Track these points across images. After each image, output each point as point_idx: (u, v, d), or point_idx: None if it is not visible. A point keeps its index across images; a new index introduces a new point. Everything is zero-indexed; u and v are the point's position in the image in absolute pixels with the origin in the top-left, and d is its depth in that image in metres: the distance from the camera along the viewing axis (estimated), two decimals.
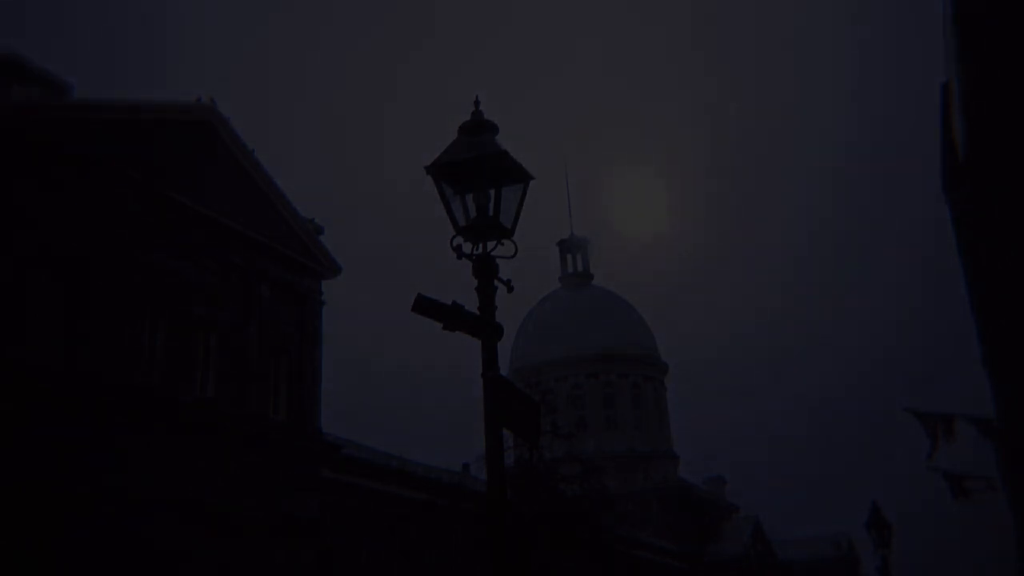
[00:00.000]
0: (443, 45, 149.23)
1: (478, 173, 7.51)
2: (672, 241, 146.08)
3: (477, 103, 7.80)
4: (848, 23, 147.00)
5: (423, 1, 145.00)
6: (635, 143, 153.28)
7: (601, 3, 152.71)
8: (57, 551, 20.05)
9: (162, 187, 24.67)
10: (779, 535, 64.02)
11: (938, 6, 12.72)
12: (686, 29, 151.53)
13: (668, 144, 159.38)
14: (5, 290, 20.57)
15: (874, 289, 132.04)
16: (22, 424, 20.03)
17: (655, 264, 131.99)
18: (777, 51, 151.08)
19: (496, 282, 7.51)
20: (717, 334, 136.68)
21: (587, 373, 60.02)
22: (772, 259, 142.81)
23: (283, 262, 28.59)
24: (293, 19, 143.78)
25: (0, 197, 20.96)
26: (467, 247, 7.53)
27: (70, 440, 20.81)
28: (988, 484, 19.25)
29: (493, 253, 7.54)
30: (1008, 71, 10.65)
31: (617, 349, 60.91)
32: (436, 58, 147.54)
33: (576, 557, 38.18)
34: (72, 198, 22.41)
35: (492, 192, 7.52)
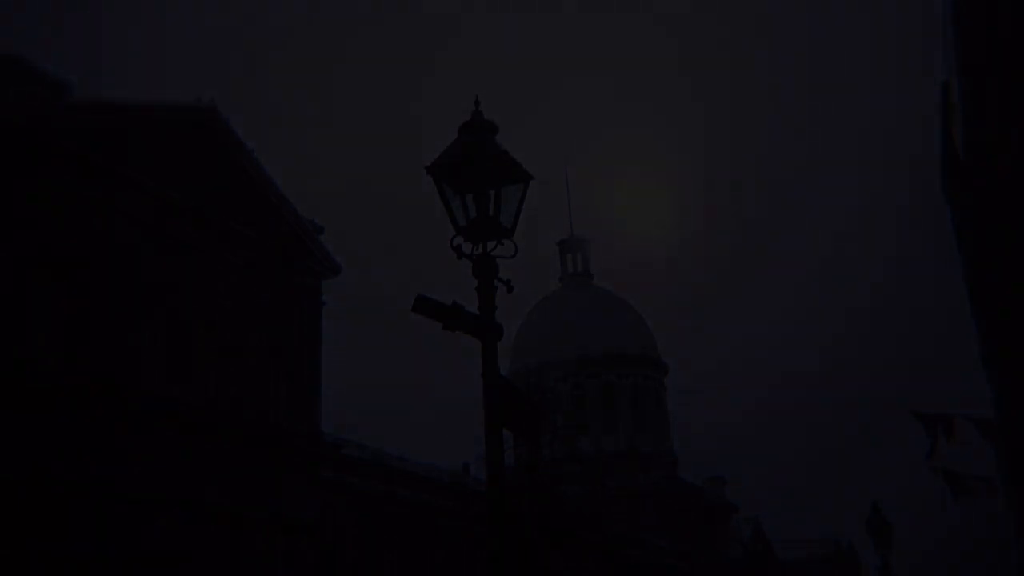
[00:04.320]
0: (444, 44, 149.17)
1: (478, 173, 7.53)
2: (672, 241, 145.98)
3: (477, 103, 7.83)
4: (848, 23, 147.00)
5: (423, 2, 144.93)
6: (636, 143, 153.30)
7: (603, 2, 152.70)
8: (57, 551, 20.05)
9: (162, 187, 24.66)
10: (779, 535, 64.02)
11: (938, 6, 12.73)
12: (687, 29, 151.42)
13: (669, 143, 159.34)
14: (5, 290, 20.57)
15: (874, 288, 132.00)
16: (22, 424, 20.03)
17: (655, 264, 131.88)
18: (778, 51, 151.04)
19: (496, 282, 7.52)
20: (717, 334, 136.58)
21: (587, 373, 59.92)
22: (772, 259, 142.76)
23: (283, 262, 28.57)
24: (293, 18, 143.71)
25: (0, 197, 20.96)
26: (467, 247, 7.54)
27: (70, 440, 20.82)
28: (988, 484, 19.27)
29: (493, 253, 7.56)
30: (1008, 71, 10.66)
31: (617, 349, 60.81)
32: (437, 57, 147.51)
33: (576, 557, 38.21)
34: (72, 198, 22.41)
35: (492, 192, 7.54)
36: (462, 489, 33.86)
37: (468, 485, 34.16)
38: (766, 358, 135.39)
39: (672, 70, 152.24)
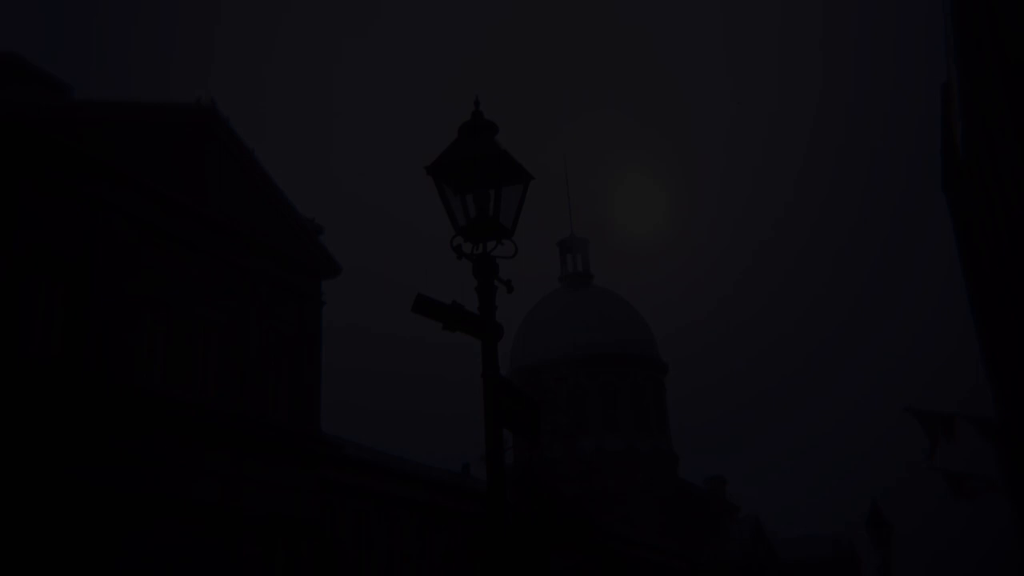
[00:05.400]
0: (444, 43, 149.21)
1: (478, 173, 7.51)
2: (672, 241, 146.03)
3: (477, 104, 7.82)
4: (848, 23, 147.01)
5: (424, 4, 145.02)
6: (636, 143, 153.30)
7: (603, 1, 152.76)
8: (56, 551, 20.05)
9: (162, 187, 24.66)
10: (779, 535, 64.07)
11: (938, 6, 12.73)
12: (687, 29, 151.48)
13: (669, 143, 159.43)
14: (5, 290, 20.55)
15: (874, 288, 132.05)
16: (20, 424, 20.03)
17: (655, 264, 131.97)
18: (778, 50, 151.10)
19: (496, 282, 7.52)
20: (717, 334, 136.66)
21: (587, 373, 59.95)
22: (772, 259, 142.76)
23: (283, 262, 28.57)
24: (293, 18, 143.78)
25: (0, 197, 20.94)
26: (467, 247, 7.53)
27: (69, 441, 20.81)
28: (988, 484, 19.28)
29: (493, 253, 7.55)
30: (1008, 71, 10.67)
31: (617, 349, 60.84)
32: (437, 57, 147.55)
33: (576, 557, 38.21)
34: (72, 198, 22.40)
35: (492, 192, 7.53)
36: (462, 489, 33.85)
37: (468, 485, 34.16)
38: (766, 358, 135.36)
39: (672, 70, 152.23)
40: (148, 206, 24.37)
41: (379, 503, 30.66)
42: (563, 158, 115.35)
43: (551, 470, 35.38)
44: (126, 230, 23.69)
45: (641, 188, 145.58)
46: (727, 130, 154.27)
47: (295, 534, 26.47)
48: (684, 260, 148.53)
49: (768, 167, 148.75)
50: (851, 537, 66.00)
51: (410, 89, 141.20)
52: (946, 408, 19.11)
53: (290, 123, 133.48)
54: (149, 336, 23.93)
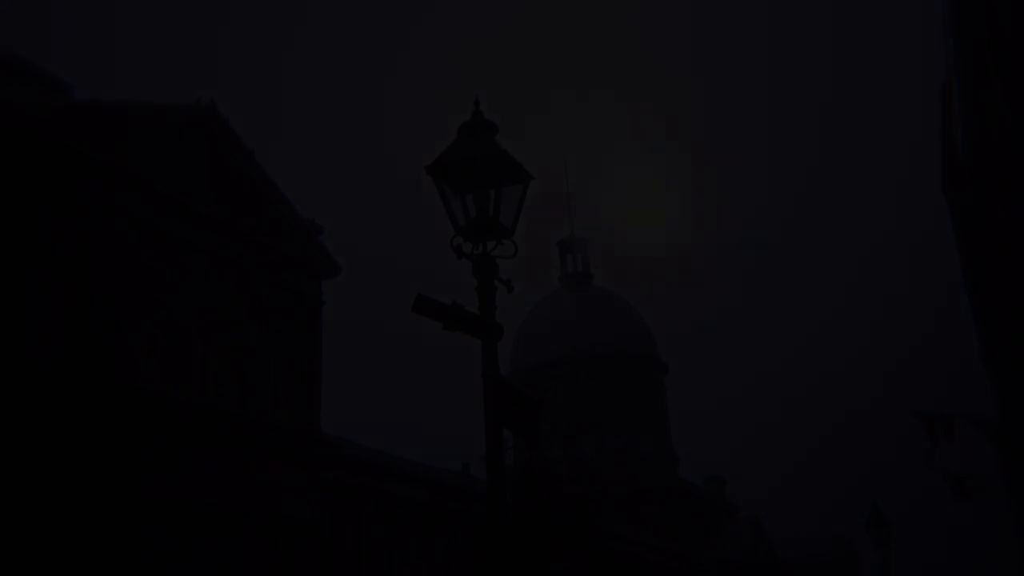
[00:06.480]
0: (446, 43, 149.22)
1: (478, 173, 7.52)
2: (672, 241, 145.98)
3: (477, 103, 7.82)
4: (848, 23, 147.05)
5: (427, 6, 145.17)
6: (637, 142, 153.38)
7: (603, 2, 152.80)
8: (55, 552, 20.05)
9: (162, 187, 24.67)
10: (779, 535, 64.01)
11: (938, 6, 12.75)
12: (686, 28, 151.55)
13: (671, 143, 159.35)
14: (5, 290, 20.56)
15: (874, 289, 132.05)
16: (21, 425, 20.03)
17: (655, 264, 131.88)
18: (777, 50, 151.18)
19: (496, 282, 7.52)
20: (716, 334, 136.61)
21: (587, 373, 59.87)
22: (772, 260, 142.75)
23: (283, 262, 28.58)
24: (294, 18, 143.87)
25: (0, 197, 20.95)
26: (467, 247, 7.54)
27: (67, 441, 20.82)
28: (988, 484, 19.29)
29: (493, 253, 7.55)
30: (1008, 71, 10.68)
31: (617, 349, 60.78)
32: (438, 56, 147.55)
33: (576, 557, 38.24)
34: (72, 197, 22.41)
35: (492, 192, 7.54)
36: (462, 489, 33.85)
37: (468, 485, 34.16)
38: (766, 357, 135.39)
39: (674, 69, 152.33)
40: (148, 206, 24.38)
41: (379, 503, 30.65)
42: (563, 158, 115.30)
43: (551, 470, 35.43)
44: (126, 230, 23.69)
45: (642, 188, 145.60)
46: (729, 130, 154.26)
47: (295, 534, 26.47)
48: (685, 260, 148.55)
49: (768, 167, 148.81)
50: (851, 537, 66.00)
51: (412, 88, 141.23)
52: (946, 408, 19.13)
53: (290, 122, 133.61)
54: (149, 336, 23.93)
